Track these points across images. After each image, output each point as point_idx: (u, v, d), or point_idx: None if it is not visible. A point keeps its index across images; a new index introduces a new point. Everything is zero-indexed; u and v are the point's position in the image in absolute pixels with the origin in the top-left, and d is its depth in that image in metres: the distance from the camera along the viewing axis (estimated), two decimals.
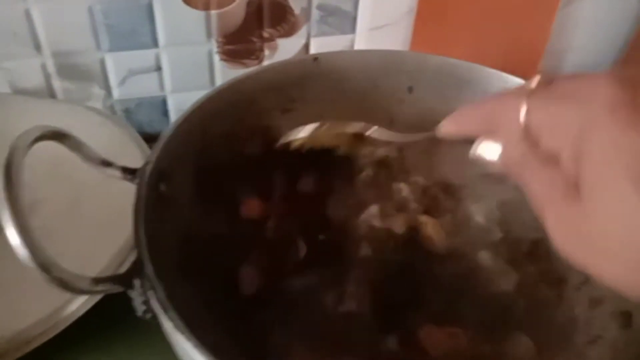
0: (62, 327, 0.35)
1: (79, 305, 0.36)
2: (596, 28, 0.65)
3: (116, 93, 0.58)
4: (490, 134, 0.27)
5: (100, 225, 0.40)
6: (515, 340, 0.35)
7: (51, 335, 0.35)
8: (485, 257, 0.40)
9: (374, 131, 0.35)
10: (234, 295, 0.34)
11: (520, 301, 0.38)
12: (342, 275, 0.38)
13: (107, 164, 0.32)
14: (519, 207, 0.41)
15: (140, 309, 0.28)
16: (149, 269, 0.27)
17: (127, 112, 0.59)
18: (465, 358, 0.34)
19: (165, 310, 0.25)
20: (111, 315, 0.37)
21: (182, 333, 0.24)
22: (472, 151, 0.28)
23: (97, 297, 0.36)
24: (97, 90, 0.57)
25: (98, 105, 0.58)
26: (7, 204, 0.23)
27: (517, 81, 0.43)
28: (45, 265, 0.25)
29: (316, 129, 0.36)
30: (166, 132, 0.35)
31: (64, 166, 0.42)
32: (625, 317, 0.35)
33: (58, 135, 0.29)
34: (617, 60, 0.63)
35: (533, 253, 0.41)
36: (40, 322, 0.35)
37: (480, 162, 0.28)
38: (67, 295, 0.36)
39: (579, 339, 0.35)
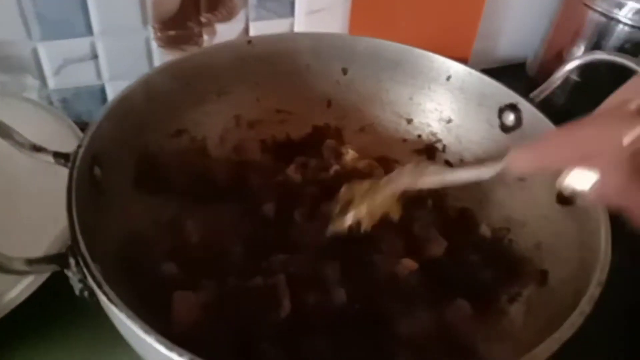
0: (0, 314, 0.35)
1: (16, 294, 0.36)
2: (525, 9, 0.68)
3: (52, 83, 0.57)
4: (583, 162, 0.25)
5: (36, 215, 0.40)
6: (458, 305, 0.37)
7: None
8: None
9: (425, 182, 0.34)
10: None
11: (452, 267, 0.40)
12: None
13: (38, 149, 0.32)
14: None
15: (77, 287, 0.28)
16: (82, 246, 0.27)
17: (65, 102, 0.58)
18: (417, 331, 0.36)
19: (100, 285, 0.26)
20: (47, 304, 0.37)
21: (116, 305, 0.25)
22: (559, 182, 0.27)
23: (33, 287, 0.36)
24: (32, 81, 0.56)
25: (34, 96, 0.56)
26: None
27: (444, 60, 0.45)
28: None
29: (365, 204, 0.35)
30: (98, 115, 0.36)
31: None
32: (542, 275, 0.37)
33: None
34: (543, 38, 0.66)
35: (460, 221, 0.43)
36: None
37: (567, 193, 0.28)
38: (6, 281, 0.36)
39: (503, 297, 0.38)
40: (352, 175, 0.44)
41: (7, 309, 0.36)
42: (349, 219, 0.35)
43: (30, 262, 0.27)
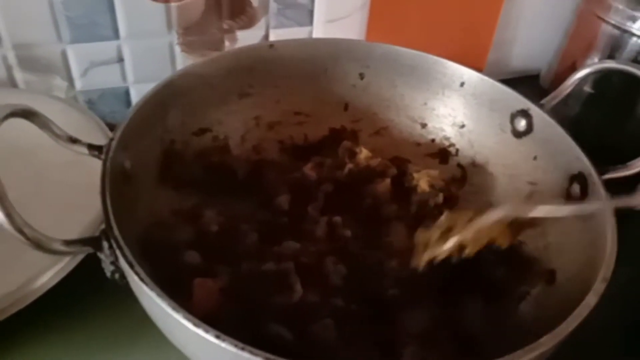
0: (30, 299, 0.37)
1: (49, 277, 0.37)
2: (539, 20, 0.69)
3: (78, 84, 0.59)
4: None
5: (65, 205, 0.42)
6: (471, 301, 0.39)
7: (20, 307, 0.36)
8: None
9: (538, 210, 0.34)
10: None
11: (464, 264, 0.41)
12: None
13: (74, 140, 0.34)
14: None
15: (108, 269, 0.30)
16: (115, 230, 0.29)
17: (90, 103, 0.60)
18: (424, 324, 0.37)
19: (132, 265, 0.28)
20: (84, 286, 0.39)
21: (147, 284, 0.27)
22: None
23: (67, 269, 0.38)
24: (59, 82, 0.58)
25: (61, 96, 0.59)
26: None
27: (457, 67, 0.47)
28: (20, 229, 0.27)
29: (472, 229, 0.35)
30: (129, 112, 0.38)
31: (24, 151, 0.44)
32: (551, 275, 0.39)
33: (28, 113, 0.31)
34: (557, 50, 0.67)
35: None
36: (8, 295, 0.36)
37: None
38: (35, 268, 0.38)
39: (514, 295, 0.39)
40: (365, 173, 0.46)
41: (38, 294, 0.38)
42: (450, 244, 0.35)
43: (68, 243, 0.29)
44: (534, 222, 0.35)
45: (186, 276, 0.36)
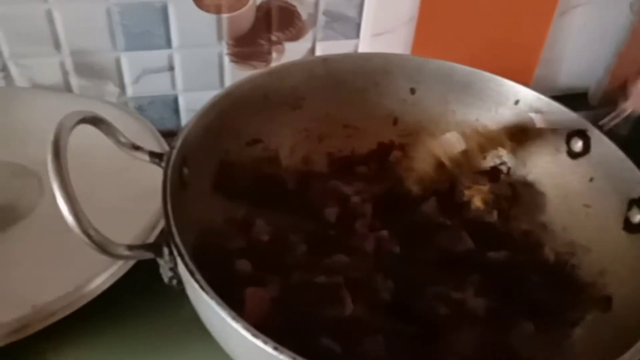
0: (85, 300, 0.38)
1: (103, 279, 0.38)
2: (589, 37, 0.68)
3: (130, 91, 0.60)
4: None
5: (117, 211, 0.43)
6: (521, 325, 0.38)
7: (75, 308, 0.37)
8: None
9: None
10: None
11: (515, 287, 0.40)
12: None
13: (136, 148, 0.35)
14: None
15: (167, 275, 0.30)
16: (177, 237, 0.30)
17: (140, 109, 0.62)
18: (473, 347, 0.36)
19: (192, 273, 0.28)
20: (132, 291, 0.39)
21: (207, 292, 0.27)
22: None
23: (120, 273, 0.39)
24: (112, 88, 0.60)
25: (113, 101, 0.60)
26: (56, 177, 0.26)
27: (512, 85, 0.46)
28: (87, 232, 0.27)
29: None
30: (189, 122, 0.38)
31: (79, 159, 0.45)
32: (606, 301, 0.38)
33: (97, 120, 0.32)
34: (607, 68, 0.66)
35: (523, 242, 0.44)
36: (66, 295, 0.37)
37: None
38: (92, 270, 0.39)
39: (566, 320, 0.38)
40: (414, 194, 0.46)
41: (91, 296, 0.38)
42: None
43: (131, 248, 0.29)
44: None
45: (237, 285, 0.36)
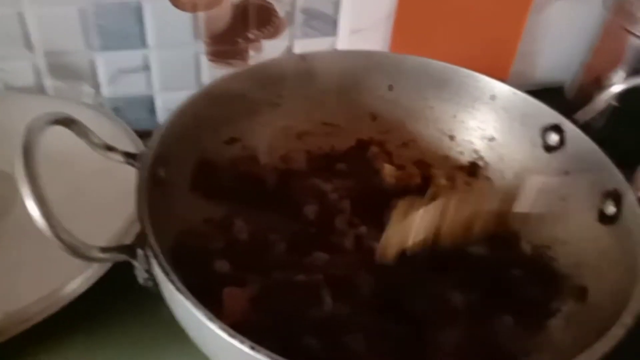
0: (60, 305, 0.37)
1: (79, 283, 0.38)
2: (564, 33, 0.69)
3: (105, 91, 0.59)
4: None
5: (97, 211, 0.42)
6: (501, 319, 0.38)
7: (50, 312, 0.37)
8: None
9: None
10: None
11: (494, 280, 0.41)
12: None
13: (110, 148, 0.34)
14: None
15: (142, 276, 0.30)
16: (152, 238, 0.29)
17: (116, 110, 0.61)
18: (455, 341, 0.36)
19: (167, 274, 0.28)
20: (110, 293, 0.39)
21: (182, 293, 0.27)
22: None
23: (96, 276, 0.38)
24: (87, 89, 0.59)
25: (88, 103, 0.59)
26: (26, 179, 0.26)
27: (488, 80, 0.47)
28: (59, 235, 0.27)
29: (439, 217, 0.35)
30: (164, 122, 0.38)
31: (55, 159, 0.44)
32: (582, 292, 0.38)
33: (68, 121, 0.31)
34: (582, 63, 0.67)
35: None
36: (40, 300, 0.37)
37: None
38: (66, 274, 0.38)
39: (543, 312, 0.39)
40: (393, 189, 0.46)
41: (68, 299, 0.38)
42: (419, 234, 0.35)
43: (104, 250, 0.29)
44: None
45: (215, 285, 0.36)
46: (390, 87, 0.49)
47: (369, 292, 0.37)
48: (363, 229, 0.41)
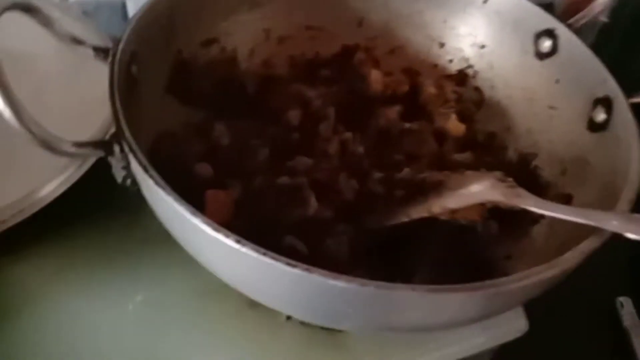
0: (38, 207, 0.36)
1: (55, 185, 0.36)
2: None
3: None
4: None
5: (67, 114, 0.40)
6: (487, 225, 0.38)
7: (27, 215, 0.35)
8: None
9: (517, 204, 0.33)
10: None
11: None
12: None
13: (78, 41, 0.32)
14: None
15: (120, 174, 0.29)
16: (127, 132, 0.28)
17: (86, 14, 0.57)
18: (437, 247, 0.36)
19: (146, 169, 0.26)
20: (85, 199, 0.38)
21: (163, 188, 0.26)
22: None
23: (73, 179, 0.37)
24: None
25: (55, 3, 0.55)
26: None
27: None
28: (28, 126, 0.25)
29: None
30: (135, 15, 0.35)
31: (25, 57, 0.42)
32: (566, 199, 0.38)
33: (29, 8, 0.29)
34: None
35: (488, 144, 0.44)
36: (15, 203, 0.35)
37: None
38: (42, 177, 0.36)
39: (527, 219, 0.39)
40: (379, 96, 0.44)
41: (42, 204, 0.37)
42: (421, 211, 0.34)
43: (78, 144, 0.27)
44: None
45: (198, 188, 0.34)
46: None
47: (353, 197, 0.36)
48: (348, 135, 0.40)
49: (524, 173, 0.41)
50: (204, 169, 0.36)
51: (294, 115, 0.40)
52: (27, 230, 0.36)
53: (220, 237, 0.25)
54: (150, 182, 0.26)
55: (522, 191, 0.33)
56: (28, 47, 0.42)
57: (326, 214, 0.35)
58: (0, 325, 0.36)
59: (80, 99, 0.41)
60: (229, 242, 0.25)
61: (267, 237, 0.32)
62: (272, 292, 0.28)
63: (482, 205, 0.34)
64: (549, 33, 0.42)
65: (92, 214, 0.40)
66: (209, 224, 0.25)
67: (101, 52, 0.32)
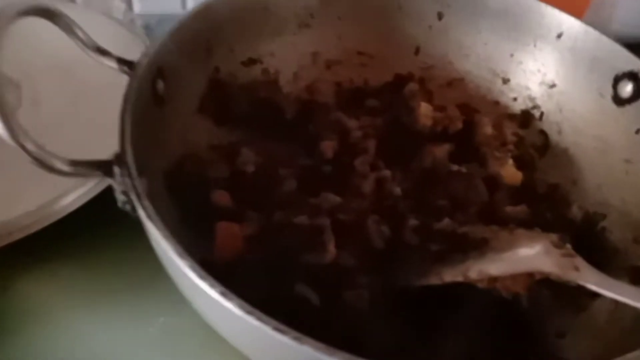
0: (49, 221, 0.34)
1: (69, 201, 0.35)
2: None
3: (137, 7, 0.56)
4: None
5: (100, 127, 0.39)
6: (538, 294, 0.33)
7: (36, 229, 0.34)
8: None
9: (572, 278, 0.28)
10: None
11: None
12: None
13: (102, 52, 0.30)
14: None
15: (120, 199, 0.26)
16: (129, 156, 0.25)
17: (148, 28, 0.57)
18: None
19: (139, 198, 0.24)
20: (102, 217, 0.36)
21: (153, 221, 0.23)
22: None
23: (90, 195, 0.35)
24: (118, 3, 0.55)
25: (119, 18, 0.56)
26: None
27: (557, 14, 0.39)
28: (21, 142, 0.24)
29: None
30: (170, 29, 0.33)
31: (65, 67, 0.41)
32: (637, 273, 0.32)
33: (48, 13, 0.27)
34: None
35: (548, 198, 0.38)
36: (28, 214, 0.34)
37: None
38: (57, 190, 0.35)
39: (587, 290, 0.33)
40: (427, 132, 0.40)
41: (58, 216, 0.35)
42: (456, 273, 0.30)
43: (73, 163, 0.25)
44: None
45: (213, 217, 0.32)
46: (440, 15, 0.42)
47: (382, 244, 0.32)
48: (386, 173, 0.36)
49: (589, 236, 0.36)
50: (222, 198, 0.33)
51: (329, 147, 0.37)
52: (41, 241, 0.35)
53: (204, 286, 0.22)
54: (142, 212, 0.24)
55: (581, 262, 0.28)
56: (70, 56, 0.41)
57: (348, 262, 0.31)
58: (1, 339, 0.34)
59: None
60: (213, 293, 0.21)
61: (278, 282, 0.29)
62: (264, 356, 0.25)
63: (529, 275, 0.29)
64: (632, 76, 0.36)
65: (110, 230, 0.38)
66: (193, 269, 0.22)
67: (125, 64, 0.30)
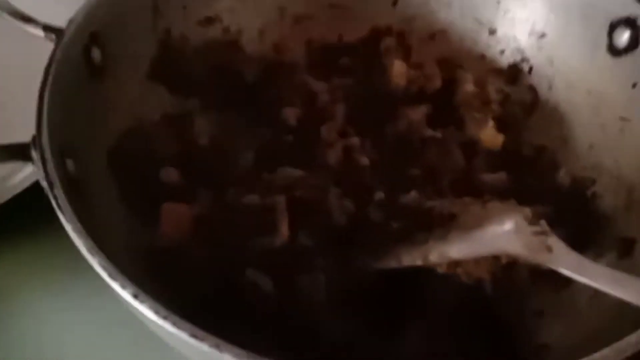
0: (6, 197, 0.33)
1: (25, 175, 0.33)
2: None
3: None
4: None
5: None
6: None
7: None
8: None
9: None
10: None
11: None
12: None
13: (27, 19, 0.27)
14: None
15: (43, 184, 0.24)
16: (44, 138, 0.23)
17: None
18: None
19: (51, 186, 0.22)
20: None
21: (63, 213, 0.21)
22: None
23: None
24: None
25: None
26: None
27: None
28: None
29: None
30: None
31: None
32: (627, 244, 0.29)
33: None
34: None
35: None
36: None
37: None
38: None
39: None
40: (402, 93, 0.37)
41: (10, 194, 0.33)
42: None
43: None
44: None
45: (160, 197, 0.29)
46: None
47: (344, 221, 0.29)
48: (354, 141, 0.33)
49: (577, 203, 0.33)
50: (170, 175, 0.31)
51: (292, 113, 0.34)
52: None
53: (115, 286, 0.19)
54: (53, 202, 0.21)
55: (555, 242, 0.25)
56: None
57: (304, 243, 0.28)
58: None
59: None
60: (125, 294, 0.19)
61: (228, 267, 0.27)
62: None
63: (495, 258, 0.26)
64: (629, 22, 0.32)
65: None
66: (105, 268, 0.20)
67: (52, 32, 0.27)
